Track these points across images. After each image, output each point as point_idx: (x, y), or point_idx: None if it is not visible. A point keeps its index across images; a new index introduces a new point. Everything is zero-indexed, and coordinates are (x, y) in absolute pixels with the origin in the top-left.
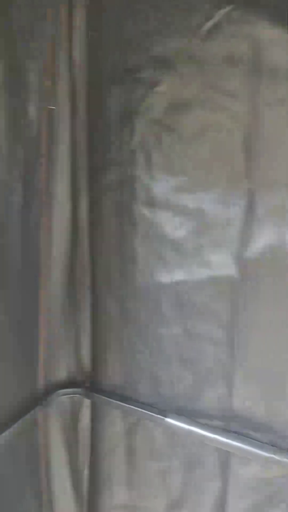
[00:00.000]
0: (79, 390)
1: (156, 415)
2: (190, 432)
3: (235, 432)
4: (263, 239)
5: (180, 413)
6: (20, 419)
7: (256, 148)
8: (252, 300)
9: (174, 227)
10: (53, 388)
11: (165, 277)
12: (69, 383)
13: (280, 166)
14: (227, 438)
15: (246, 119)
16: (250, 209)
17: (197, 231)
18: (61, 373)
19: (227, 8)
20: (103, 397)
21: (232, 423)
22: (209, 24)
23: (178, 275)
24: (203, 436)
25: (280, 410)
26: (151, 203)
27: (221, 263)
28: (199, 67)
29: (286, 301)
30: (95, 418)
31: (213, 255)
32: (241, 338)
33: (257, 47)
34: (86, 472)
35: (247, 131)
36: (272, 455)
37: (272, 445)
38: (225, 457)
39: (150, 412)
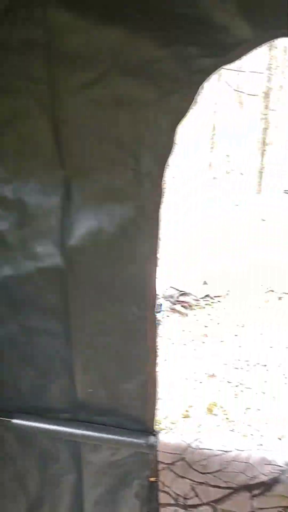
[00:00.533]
0: None
1: (2, 419)
2: (39, 429)
3: (83, 421)
4: (83, 226)
5: (27, 412)
6: None
7: (65, 135)
8: (80, 287)
9: None
10: None
11: None
12: None
13: (90, 152)
14: (75, 429)
15: (51, 105)
16: (68, 197)
17: (19, 223)
18: None
19: None
20: None
21: (80, 413)
22: (2, 6)
23: (7, 270)
24: (53, 430)
25: (120, 392)
26: None
27: (47, 254)
28: (1, 52)
29: (110, 285)
30: None
31: (38, 246)
32: (75, 327)
33: (51, 32)
34: None
35: (54, 118)
36: (119, 437)
37: (118, 427)
38: (76, 448)
39: None
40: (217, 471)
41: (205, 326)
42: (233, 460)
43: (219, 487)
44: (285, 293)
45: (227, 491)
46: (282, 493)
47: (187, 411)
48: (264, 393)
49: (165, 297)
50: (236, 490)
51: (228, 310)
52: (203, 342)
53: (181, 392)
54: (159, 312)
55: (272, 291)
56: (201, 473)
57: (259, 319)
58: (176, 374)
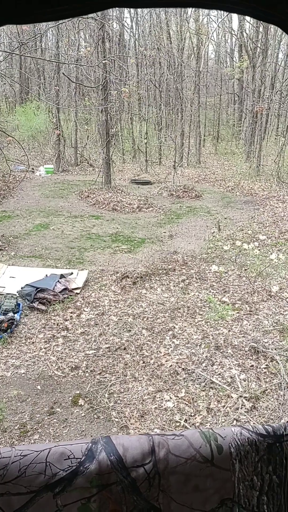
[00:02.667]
0: None
1: None
2: None
3: None
4: None
5: None
6: None
7: None
8: None
9: None
10: None
11: None
12: None
13: None
14: None
15: None
16: None
17: None
18: None
19: None
20: None
21: None
22: None
23: None
24: None
25: None
26: None
27: None
28: None
29: None
30: None
31: None
32: None
33: None
34: None
35: None
36: None
37: None
38: None
39: None
40: (16, 478)
41: (65, 320)
42: (31, 463)
43: (20, 494)
44: (138, 277)
45: (29, 496)
46: (82, 484)
47: (52, 407)
48: (125, 376)
49: (22, 296)
50: (38, 492)
51: (87, 301)
52: (64, 336)
53: (45, 389)
54: (17, 312)
55: (128, 277)
56: (0, 484)
57: (117, 306)
58: (40, 371)
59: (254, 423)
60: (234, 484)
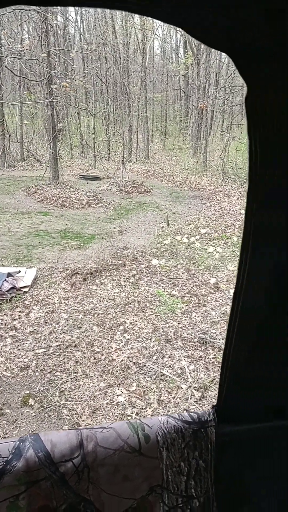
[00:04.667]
0: None
1: None
2: None
3: None
4: None
5: None
6: None
7: None
8: None
9: None
10: None
11: None
12: None
13: None
14: None
15: None
16: None
17: None
18: None
19: None
20: None
21: None
22: None
23: None
24: None
25: None
26: None
27: None
28: None
29: None
30: None
31: None
32: None
33: None
34: None
35: None
36: None
37: None
38: None
39: None
40: None
41: (13, 319)
42: None
43: None
44: (88, 274)
45: None
46: (10, 483)
47: (1, 409)
48: (76, 373)
49: None
50: None
51: (36, 299)
52: (13, 336)
53: None
54: None
55: (78, 273)
56: None
57: (67, 303)
58: None
59: (180, 411)
60: (162, 471)
